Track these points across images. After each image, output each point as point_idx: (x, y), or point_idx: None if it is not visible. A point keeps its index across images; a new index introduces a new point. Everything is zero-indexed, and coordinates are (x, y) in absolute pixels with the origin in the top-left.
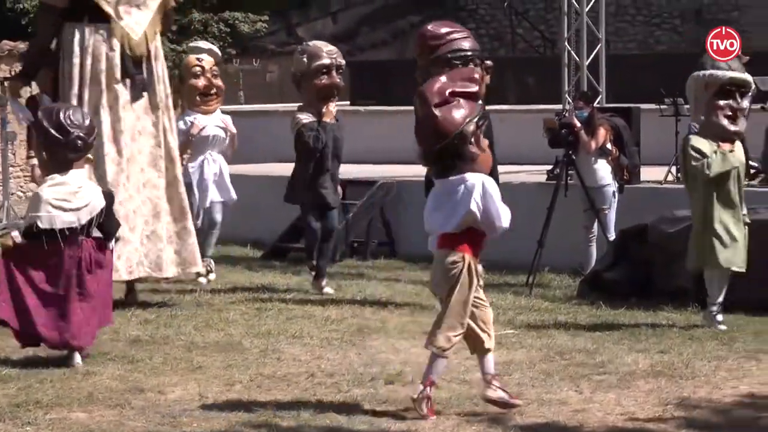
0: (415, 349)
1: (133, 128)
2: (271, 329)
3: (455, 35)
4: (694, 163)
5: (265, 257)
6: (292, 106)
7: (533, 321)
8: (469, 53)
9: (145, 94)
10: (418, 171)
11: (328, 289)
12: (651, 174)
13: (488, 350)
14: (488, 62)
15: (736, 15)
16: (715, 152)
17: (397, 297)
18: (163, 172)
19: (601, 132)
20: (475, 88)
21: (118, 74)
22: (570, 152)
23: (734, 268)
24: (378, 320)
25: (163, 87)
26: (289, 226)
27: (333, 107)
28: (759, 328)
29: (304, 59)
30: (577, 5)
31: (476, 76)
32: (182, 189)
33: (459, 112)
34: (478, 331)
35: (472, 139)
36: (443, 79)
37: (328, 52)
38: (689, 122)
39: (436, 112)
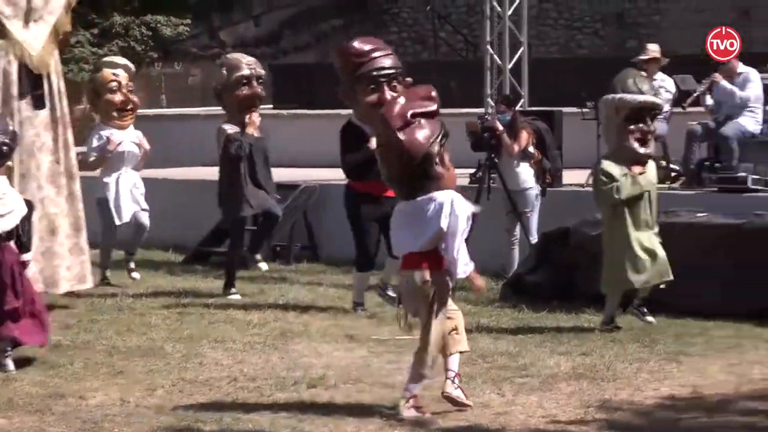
0: (337, 352)
1: (32, 144)
2: (193, 334)
3: (378, 53)
4: (603, 188)
5: (187, 261)
6: (215, 110)
7: None
8: (392, 71)
9: (45, 109)
10: (341, 175)
11: (263, 265)
12: (573, 177)
13: (459, 351)
14: (409, 79)
15: (657, 19)
16: (625, 176)
17: (320, 301)
18: (63, 188)
19: (524, 135)
20: (434, 107)
21: (15, 90)
22: (492, 156)
23: (653, 282)
24: (300, 324)
25: (64, 102)
26: (211, 230)
27: (257, 117)
28: (680, 330)
29: (224, 72)
30: (499, 9)
31: (433, 94)
32: (80, 206)
33: (422, 134)
34: (449, 338)
35: (437, 159)
36: (401, 100)
37: (247, 63)
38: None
39: (401, 136)
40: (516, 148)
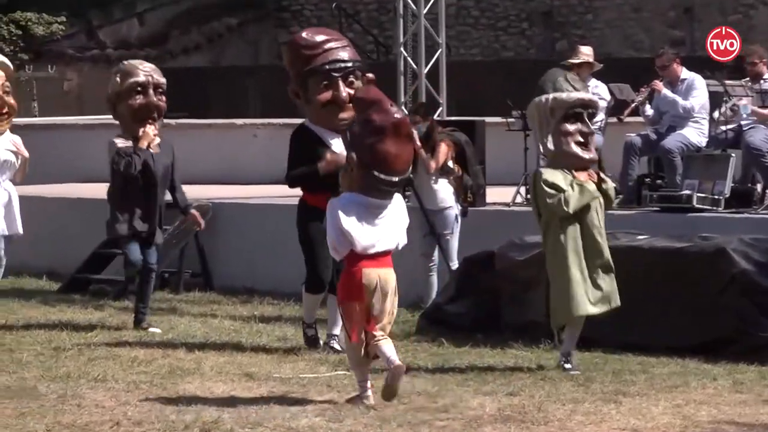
0: (234, 393)
1: None
2: (71, 372)
3: (332, 44)
4: (549, 201)
5: (63, 290)
6: (93, 118)
7: None
8: (350, 64)
9: None
10: (235, 192)
11: (154, 329)
12: (497, 195)
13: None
14: (370, 75)
15: (589, 18)
16: (572, 185)
17: (214, 335)
18: None
19: (442, 149)
20: None
21: None
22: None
23: (595, 311)
24: (192, 361)
25: None
26: (89, 255)
27: (152, 130)
28: (618, 367)
29: (118, 79)
30: (414, 7)
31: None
32: None
33: None
34: None
35: None
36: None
37: (143, 70)
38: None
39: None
40: (434, 164)
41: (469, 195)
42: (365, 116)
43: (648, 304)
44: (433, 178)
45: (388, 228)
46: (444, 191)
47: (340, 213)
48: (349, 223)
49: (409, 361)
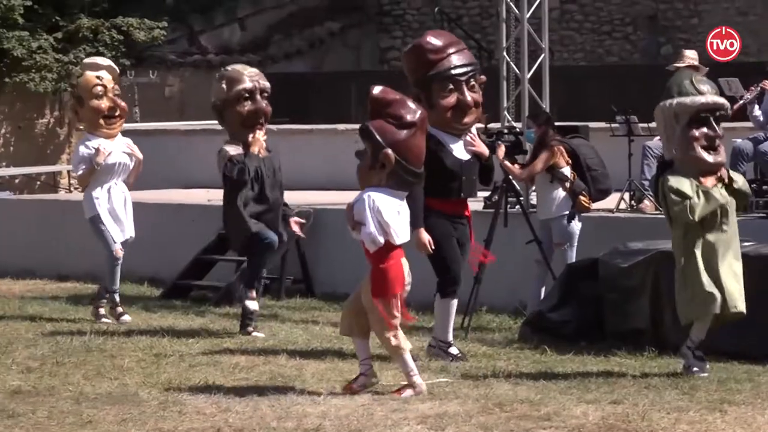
0: (335, 400)
1: None
2: (172, 378)
3: (454, 48)
4: (675, 208)
5: (165, 296)
6: (194, 124)
7: (469, 368)
8: (471, 69)
9: None
10: (337, 198)
11: (258, 334)
12: (601, 201)
13: None
14: (482, 77)
15: (695, 22)
16: (698, 192)
17: (315, 341)
18: None
19: (542, 157)
20: None
21: None
22: (510, 176)
23: (728, 312)
24: (293, 367)
25: None
26: (191, 261)
27: (261, 135)
28: (724, 375)
29: (223, 85)
30: (516, 11)
31: None
32: None
33: None
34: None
35: None
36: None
37: (249, 75)
38: (643, 143)
39: None
40: (527, 172)
41: (585, 200)
42: (394, 113)
43: (754, 311)
44: (549, 184)
45: (406, 219)
46: (561, 199)
47: (383, 207)
48: (390, 216)
49: (511, 369)
